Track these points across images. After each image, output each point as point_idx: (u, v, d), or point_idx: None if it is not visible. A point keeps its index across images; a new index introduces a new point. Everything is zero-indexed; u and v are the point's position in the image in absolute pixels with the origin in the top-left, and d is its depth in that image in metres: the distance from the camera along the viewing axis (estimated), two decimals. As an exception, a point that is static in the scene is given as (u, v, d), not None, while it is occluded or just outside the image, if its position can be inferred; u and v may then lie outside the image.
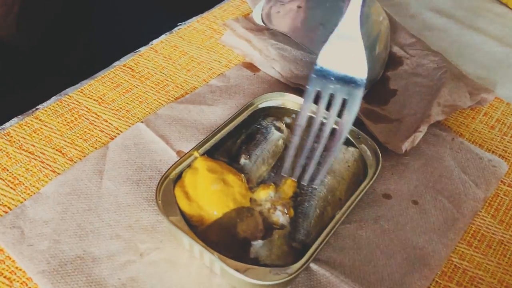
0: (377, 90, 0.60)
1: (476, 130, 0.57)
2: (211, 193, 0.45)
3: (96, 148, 0.52)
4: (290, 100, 0.53)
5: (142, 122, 0.54)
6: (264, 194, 0.46)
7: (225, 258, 0.40)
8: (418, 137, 0.52)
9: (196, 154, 0.47)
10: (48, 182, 0.48)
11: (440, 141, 0.55)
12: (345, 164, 0.49)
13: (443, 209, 0.48)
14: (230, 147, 0.50)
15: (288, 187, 0.47)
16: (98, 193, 0.47)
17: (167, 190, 0.45)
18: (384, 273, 0.44)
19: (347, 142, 0.50)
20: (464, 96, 0.57)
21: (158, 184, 0.44)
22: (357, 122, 0.52)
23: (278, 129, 0.51)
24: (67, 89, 0.58)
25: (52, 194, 0.47)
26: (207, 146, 0.48)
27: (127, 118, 0.55)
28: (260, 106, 0.53)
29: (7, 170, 0.49)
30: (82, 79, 0.59)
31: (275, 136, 0.51)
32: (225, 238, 0.43)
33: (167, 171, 0.45)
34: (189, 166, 0.47)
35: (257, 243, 0.42)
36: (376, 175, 0.47)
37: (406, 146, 0.51)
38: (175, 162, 0.46)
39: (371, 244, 0.45)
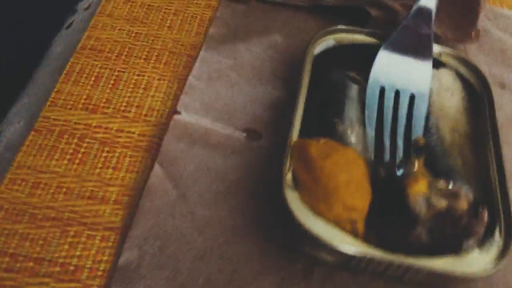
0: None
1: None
2: (344, 186, 0.35)
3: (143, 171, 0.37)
4: (342, 35, 0.43)
5: (176, 114, 0.40)
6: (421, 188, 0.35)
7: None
8: (480, 17, 0.45)
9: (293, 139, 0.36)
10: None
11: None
12: (447, 92, 0.41)
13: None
14: (312, 119, 0.39)
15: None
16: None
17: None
18: None
19: (434, 64, 0.41)
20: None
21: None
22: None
23: (354, 79, 0.41)
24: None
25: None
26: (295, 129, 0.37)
27: (143, 116, 0.41)
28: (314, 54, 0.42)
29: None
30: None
31: (354, 90, 0.40)
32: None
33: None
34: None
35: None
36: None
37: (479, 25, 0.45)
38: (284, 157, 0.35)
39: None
